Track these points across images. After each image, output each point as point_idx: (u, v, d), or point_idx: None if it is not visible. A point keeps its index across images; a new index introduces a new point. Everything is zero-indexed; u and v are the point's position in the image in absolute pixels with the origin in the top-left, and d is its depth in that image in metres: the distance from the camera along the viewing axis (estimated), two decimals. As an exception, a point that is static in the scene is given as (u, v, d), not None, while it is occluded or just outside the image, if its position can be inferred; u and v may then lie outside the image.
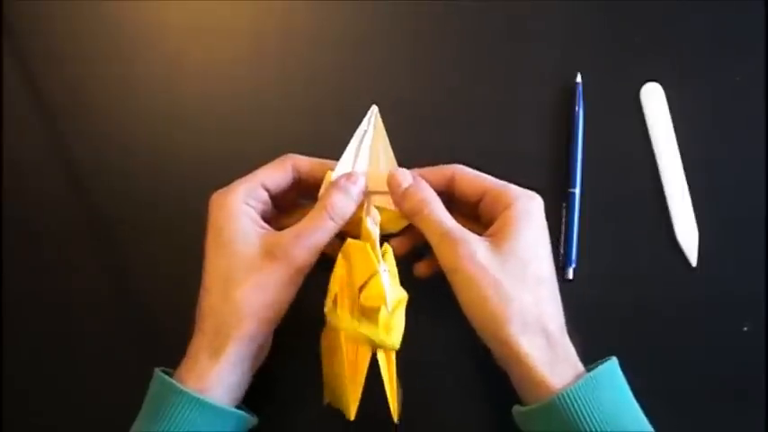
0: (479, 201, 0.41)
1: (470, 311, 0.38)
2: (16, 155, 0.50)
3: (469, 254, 0.37)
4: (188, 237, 0.47)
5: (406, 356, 0.39)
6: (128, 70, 0.52)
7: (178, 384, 0.36)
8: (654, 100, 0.49)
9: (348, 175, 0.40)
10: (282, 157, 0.42)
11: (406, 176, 0.40)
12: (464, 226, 0.39)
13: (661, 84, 0.49)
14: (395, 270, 0.40)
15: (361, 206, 0.41)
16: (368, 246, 0.38)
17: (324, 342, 0.41)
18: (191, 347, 0.38)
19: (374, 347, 0.38)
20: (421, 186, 0.40)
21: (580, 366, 0.37)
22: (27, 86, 0.52)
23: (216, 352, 0.36)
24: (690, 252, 0.46)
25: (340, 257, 0.39)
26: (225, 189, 0.40)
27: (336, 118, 0.50)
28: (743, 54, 0.50)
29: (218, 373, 0.36)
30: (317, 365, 0.41)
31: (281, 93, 0.51)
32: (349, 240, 0.39)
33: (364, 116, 0.42)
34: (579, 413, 0.34)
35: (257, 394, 0.41)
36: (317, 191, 0.41)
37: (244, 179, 0.40)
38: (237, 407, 0.39)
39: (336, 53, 0.51)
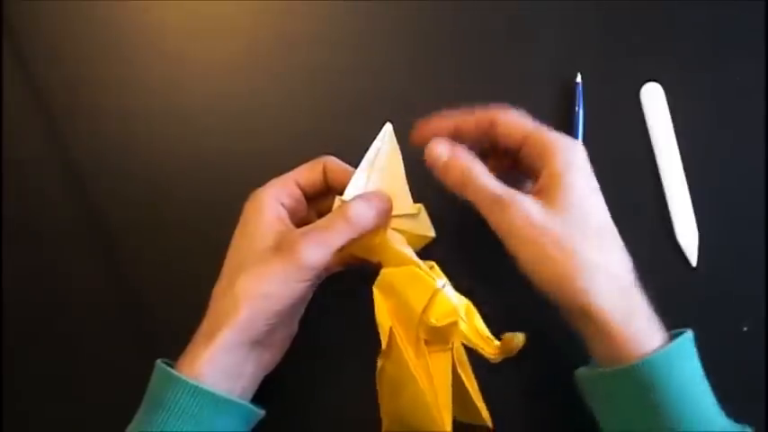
0: (519, 147, 0.40)
1: (535, 273, 0.37)
2: (16, 155, 0.50)
3: (525, 215, 0.36)
4: (187, 236, 0.48)
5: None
6: (128, 70, 0.52)
7: (171, 371, 0.36)
8: (654, 100, 0.49)
9: (376, 192, 0.40)
10: (318, 158, 0.42)
11: (442, 150, 0.39)
12: (505, 173, 0.39)
13: (661, 84, 0.49)
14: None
15: (380, 231, 0.39)
16: (415, 268, 0.37)
17: (383, 381, 0.39)
18: (193, 337, 0.38)
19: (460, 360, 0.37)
20: (459, 156, 0.39)
21: (656, 322, 0.36)
22: (27, 86, 0.52)
23: (209, 339, 0.36)
24: (690, 252, 0.46)
25: (377, 293, 0.38)
26: (261, 187, 0.41)
27: (336, 118, 0.50)
28: (743, 54, 0.50)
29: (210, 359, 0.36)
30: (326, 363, 0.40)
31: (281, 93, 0.51)
32: (385, 270, 0.38)
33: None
34: (660, 380, 0.34)
35: (265, 390, 0.41)
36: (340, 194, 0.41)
37: (279, 177, 0.41)
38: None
39: (336, 53, 0.51)
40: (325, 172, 0.42)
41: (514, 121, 0.40)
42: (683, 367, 0.35)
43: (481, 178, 0.38)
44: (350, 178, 0.40)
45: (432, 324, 0.36)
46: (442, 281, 0.36)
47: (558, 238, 0.36)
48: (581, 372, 0.38)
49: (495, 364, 0.44)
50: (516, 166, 0.41)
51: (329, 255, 0.37)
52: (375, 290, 0.38)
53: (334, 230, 0.38)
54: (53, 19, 0.53)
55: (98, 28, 0.53)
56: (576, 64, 0.49)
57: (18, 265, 0.48)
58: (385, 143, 0.41)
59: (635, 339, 0.35)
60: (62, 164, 0.50)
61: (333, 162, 0.42)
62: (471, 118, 0.40)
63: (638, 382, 0.34)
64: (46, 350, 0.47)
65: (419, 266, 0.37)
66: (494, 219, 0.37)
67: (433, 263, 0.38)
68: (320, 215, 0.43)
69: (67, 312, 0.47)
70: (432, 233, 0.41)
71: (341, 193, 0.40)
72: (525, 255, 0.37)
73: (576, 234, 0.36)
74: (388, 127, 0.41)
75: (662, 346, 0.34)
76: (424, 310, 0.36)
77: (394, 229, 0.40)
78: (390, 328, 0.38)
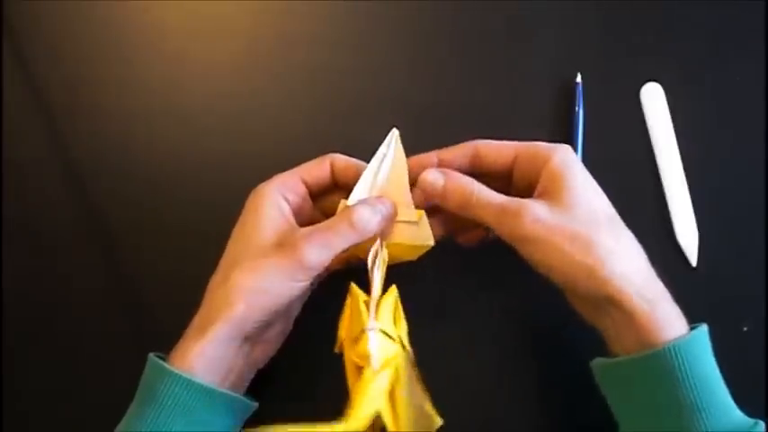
0: (510, 168, 0.40)
1: (556, 272, 0.37)
2: (16, 155, 0.50)
3: (535, 219, 0.36)
4: (187, 236, 0.48)
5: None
6: (128, 70, 0.52)
7: (163, 363, 0.36)
8: (654, 100, 0.49)
9: (379, 198, 0.40)
10: (324, 155, 0.42)
11: (436, 175, 0.39)
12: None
13: (661, 84, 0.49)
14: (399, 314, 0.38)
15: (375, 240, 0.39)
16: (361, 300, 0.37)
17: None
18: (186, 329, 0.38)
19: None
20: (455, 177, 0.39)
21: (677, 309, 0.36)
22: (27, 86, 0.52)
23: (202, 332, 0.36)
24: (690, 252, 0.46)
25: (348, 299, 0.38)
26: (264, 182, 0.40)
27: (336, 118, 0.50)
28: (743, 54, 0.50)
29: (201, 352, 0.36)
30: (319, 357, 0.41)
31: (281, 93, 0.51)
32: (353, 285, 0.38)
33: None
34: (684, 367, 0.34)
35: (261, 387, 0.41)
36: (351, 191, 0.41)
37: (284, 173, 0.41)
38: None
39: (336, 53, 0.51)
40: (332, 169, 0.41)
41: (499, 145, 0.40)
42: (704, 357, 0.35)
43: (483, 193, 0.38)
44: (358, 173, 0.40)
45: (353, 359, 0.37)
46: (374, 323, 0.36)
47: (572, 233, 0.36)
48: (599, 362, 0.38)
49: (502, 361, 0.44)
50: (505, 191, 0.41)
51: (330, 257, 0.37)
52: (348, 297, 0.39)
53: (337, 233, 0.37)
54: (53, 19, 0.53)
55: (98, 28, 0.53)
56: (576, 64, 0.49)
57: (18, 265, 0.48)
58: (391, 148, 0.40)
59: (660, 325, 0.35)
60: (62, 164, 0.50)
61: (340, 159, 0.41)
62: (451, 154, 0.41)
63: (661, 368, 0.34)
64: (46, 350, 0.47)
65: (368, 302, 0.37)
66: (505, 229, 0.37)
67: (386, 301, 0.38)
68: (325, 213, 0.43)
69: (67, 312, 0.47)
70: (431, 242, 0.40)
71: (348, 190, 0.40)
72: (543, 256, 0.37)
73: (588, 226, 0.36)
74: (395, 132, 0.41)
75: (684, 335, 0.35)
76: (354, 341, 0.37)
77: (392, 243, 0.40)
78: (342, 340, 0.38)
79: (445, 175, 0.39)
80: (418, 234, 0.40)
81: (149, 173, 0.49)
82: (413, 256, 0.41)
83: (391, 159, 0.41)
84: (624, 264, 0.36)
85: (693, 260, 0.46)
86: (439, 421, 0.40)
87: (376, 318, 0.37)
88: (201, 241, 0.44)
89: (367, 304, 0.37)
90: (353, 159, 0.41)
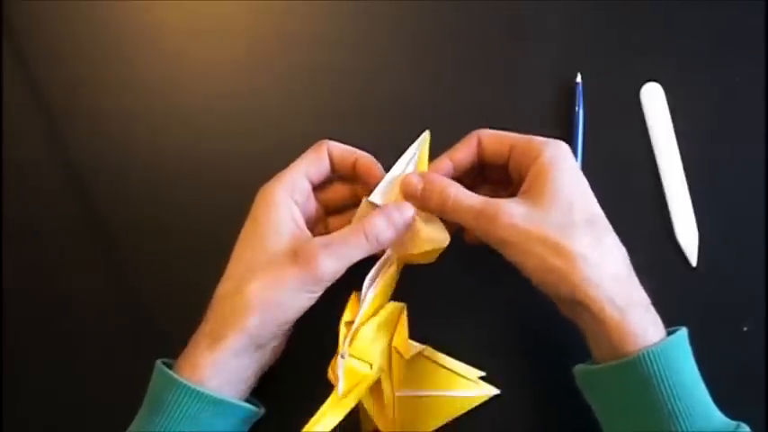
0: (508, 160, 0.40)
1: (531, 274, 0.37)
2: (16, 155, 0.50)
3: (510, 221, 0.36)
4: (187, 237, 0.48)
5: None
6: (128, 70, 0.52)
7: (172, 374, 0.36)
8: (654, 100, 0.49)
9: (399, 204, 0.39)
10: (317, 144, 0.41)
11: (415, 179, 0.39)
12: (498, 194, 0.39)
13: (661, 84, 0.49)
14: (402, 326, 0.39)
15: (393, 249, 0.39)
16: (343, 321, 0.37)
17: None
18: (194, 336, 0.37)
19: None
20: (433, 181, 0.39)
21: (654, 314, 0.36)
22: (27, 86, 0.52)
23: (215, 341, 0.36)
24: (690, 252, 0.46)
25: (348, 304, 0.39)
26: (271, 181, 0.40)
27: (336, 118, 0.50)
28: (743, 54, 0.50)
29: (213, 363, 0.36)
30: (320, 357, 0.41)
31: (281, 93, 0.51)
32: (352, 298, 0.39)
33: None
34: (660, 373, 0.33)
35: (266, 387, 0.41)
36: (353, 180, 0.41)
37: (287, 170, 0.40)
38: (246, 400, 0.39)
39: (336, 53, 0.51)
40: (330, 158, 0.41)
41: (498, 135, 0.40)
42: (681, 362, 0.35)
43: (460, 196, 0.38)
44: (355, 161, 0.40)
45: (328, 373, 0.37)
46: (345, 351, 0.37)
47: (545, 235, 0.35)
48: (579, 368, 0.38)
49: (498, 360, 0.44)
50: (508, 184, 0.42)
51: (345, 268, 0.37)
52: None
53: (353, 246, 0.37)
54: (53, 19, 0.53)
55: (98, 28, 0.53)
56: (576, 64, 0.49)
57: (18, 265, 0.48)
58: (419, 150, 0.40)
59: (633, 332, 0.34)
60: (62, 164, 0.50)
61: (337, 148, 0.41)
62: (460, 152, 0.41)
63: (636, 376, 0.34)
64: (46, 350, 0.47)
65: (347, 328, 0.38)
66: (482, 231, 0.37)
67: (367, 326, 0.38)
68: (327, 207, 0.43)
69: (67, 312, 0.47)
70: (446, 242, 0.40)
71: (345, 179, 0.40)
72: (519, 258, 0.37)
73: (564, 228, 0.36)
74: (426, 135, 0.41)
75: (658, 342, 0.34)
76: (334, 357, 0.37)
77: (411, 254, 0.40)
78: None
79: (423, 178, 0.39)
80: (436, 234, 0.40)
81: (149, 173, 0.49)
82: (430, 259, 0.41)
83: (417, 161, 0.40)
84: (597, 269, 0.35)
85: (693, 260, 0.46)
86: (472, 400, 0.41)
87: (351, 343, 0.37)
88: (201, 241, 0.44)
89: (348, 326, 0.37)
90: (349, 147, 0.41)
